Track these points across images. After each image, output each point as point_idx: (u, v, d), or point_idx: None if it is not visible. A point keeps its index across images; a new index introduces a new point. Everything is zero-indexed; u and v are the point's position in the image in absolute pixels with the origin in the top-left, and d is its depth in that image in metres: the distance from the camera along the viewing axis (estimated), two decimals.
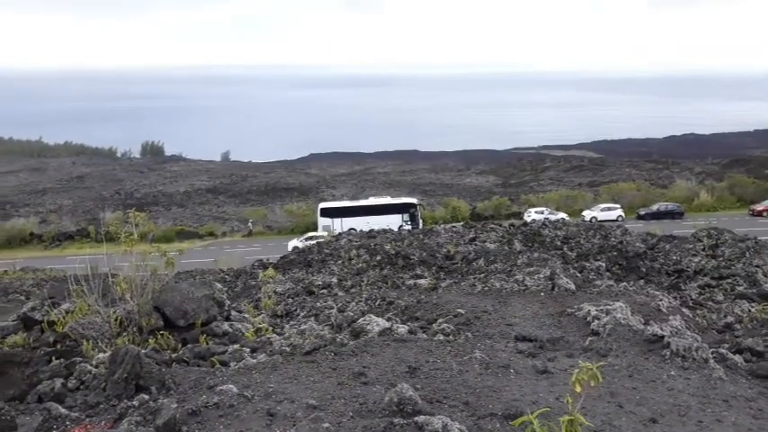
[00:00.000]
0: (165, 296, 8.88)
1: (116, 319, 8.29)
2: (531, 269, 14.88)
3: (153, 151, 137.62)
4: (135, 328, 8.36)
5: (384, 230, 29.39)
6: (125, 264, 8.90)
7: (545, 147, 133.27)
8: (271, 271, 18.99)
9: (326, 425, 5.06)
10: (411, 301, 12.68)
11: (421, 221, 55.62)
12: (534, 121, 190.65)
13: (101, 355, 7.28)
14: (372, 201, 58.95)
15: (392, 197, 63.72)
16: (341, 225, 53.65)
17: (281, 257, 24.07)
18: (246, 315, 10.73)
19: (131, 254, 8.70)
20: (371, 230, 29.62)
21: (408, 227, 51.01)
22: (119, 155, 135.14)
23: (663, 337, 7.69)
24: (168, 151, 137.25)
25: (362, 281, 16.69)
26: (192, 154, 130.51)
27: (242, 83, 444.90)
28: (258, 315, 11.74)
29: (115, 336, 8.15)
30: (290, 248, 38.05)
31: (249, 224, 62.69)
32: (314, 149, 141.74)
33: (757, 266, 17.70)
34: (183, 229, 62.93)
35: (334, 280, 16.88)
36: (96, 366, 6.87)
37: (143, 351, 6.84)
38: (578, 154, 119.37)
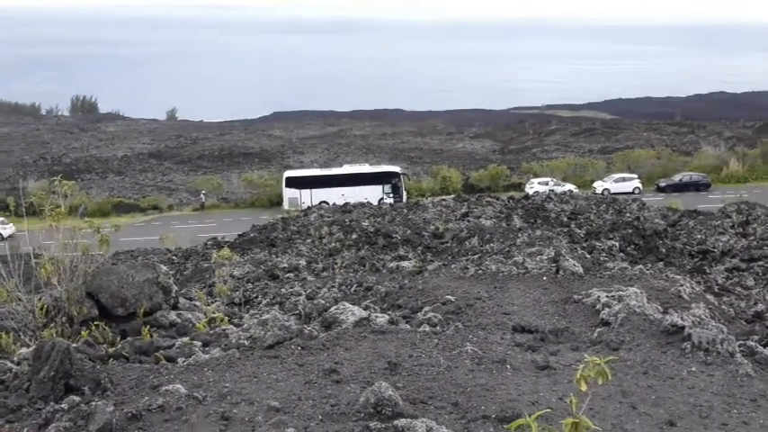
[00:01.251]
0: (100, 281, 8.79)
1: (41, 308, 8.20)
2: (533, 249, 14.98)
3: (85, 108, 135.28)
4: (64, 319, 8.28)
5: (361, 204, 29.38)
6: (51, 242, 8.77)
7: (550, 106, 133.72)
8: (227, 251, 18.89)
9: (291, 430, 5.08)
10: (392, 286, 12.71)
11: (405, 194, 55.77)
12: (537, 77, 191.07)
13: (23, 350, 7.21)
14: (348, 169, 58.90)
15: (371, 165, 63.70)
16: (310, 198, 53.57)
17: (239, 235, 23.96)
18: (198, 303, 10.69)
19: (59, 230, 8.56)
20: (346, 204, 29.59)
21: (390, 200, 51.08)
22: (43, 112, 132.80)
23: (683, 327, 7.82)
24: (103, 108, 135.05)
25: (336, 263, 16.71)
26: (131, 112, 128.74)
27: (193, 27, 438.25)
28: (212, 303, 11.70)
29: (40, 327, 8.07)
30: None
31: (201, 196, 62.33)
32: (278, 107, 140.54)
33: None
34: (121, 201, 62.37)
35: (303, 262, 16.88)
36: (18, 363, 6.80)
37: (74, 345, 6.78)
38: (589, 115, 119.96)
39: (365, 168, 58.91)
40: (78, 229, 8.87)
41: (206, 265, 18.00)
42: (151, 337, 8.32)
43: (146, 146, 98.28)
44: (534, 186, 57.72)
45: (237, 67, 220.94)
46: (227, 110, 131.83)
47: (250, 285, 14.47)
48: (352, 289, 13.02)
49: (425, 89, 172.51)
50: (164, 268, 9.94)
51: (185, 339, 8.23)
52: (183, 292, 11.77)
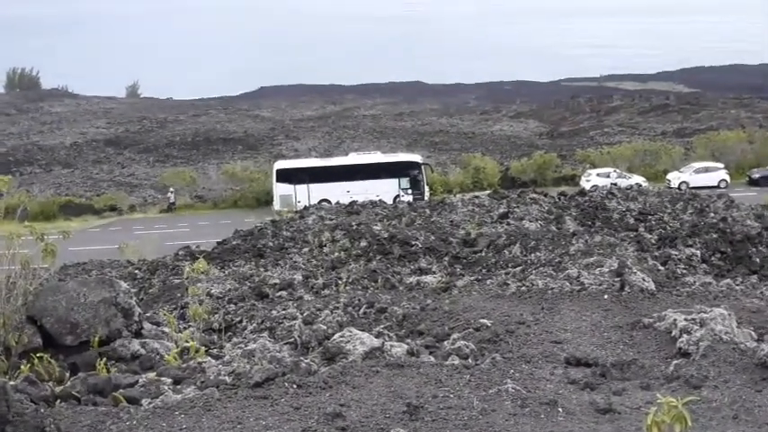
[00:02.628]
0: (45, 301, 8.84)
1: None
2: (591, 260, 14.89)
3: (24, 84, 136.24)
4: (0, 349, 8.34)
5: (372, 203, 29.36)
6: None
7: (611, 77, 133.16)
8: (203, 264, 18.97)
9: None
10: (412, 307, 12.69)
11: (427, 189, 55.78)
12: (595, 39, 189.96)
13: None
14: (354, 159, 59.02)
15: (384, 153, 63.74)
16: (308, 195, 53.68)
17: (219, 243, 24.00)
18: (167, 329, 10.73)
19: None
20: (353, 203, 29.58)
21: (408, 197, 51.08)
22: None
23: None
24: (47, 84, 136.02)
25: (340, 278, 16.70)
26: (83, 88, 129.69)
27: None
28: (184, 329, 11.74)
29: None
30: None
31: (170, 193, 62.60)
32: (267, 80, 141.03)
33: None
34: (70, 200, 62.78)
35: (299, 277, 16.90)
36: None
37: (11, 383, 6.82)
38: (661, 88, 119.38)
39: (377, 158, 58.96)
40: (17, 237, 8.93)
41: (177, 281, 18.05)
42: (108, 372, 8.35)
43: (101, 130, 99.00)
44: (592, 179, 57.48)
45: (215, 30, 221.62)
46: (203, 85, 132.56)
47: (232, 307, 14.49)
48: (361, 311, 13.01)
49: (452, 56, 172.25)
50: (124, 285, 9.99)
51: (151, 375, 8.26)
52: (148, 315, 11.80)
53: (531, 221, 21.83)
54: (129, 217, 59.58)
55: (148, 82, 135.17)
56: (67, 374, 8.33)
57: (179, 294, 16.07)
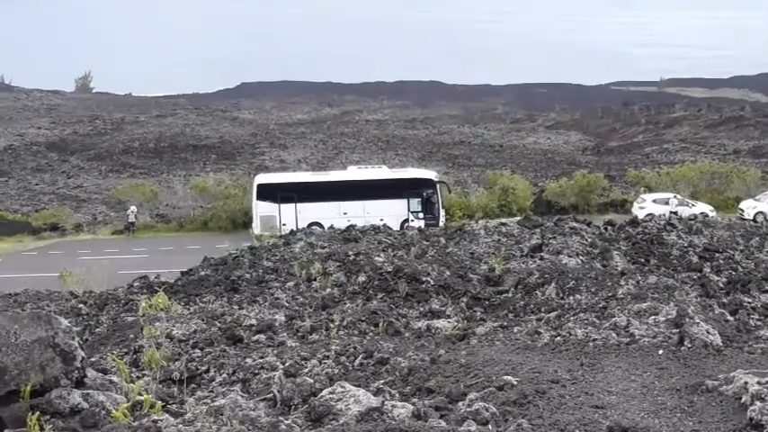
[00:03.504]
0: None
1: None
2: (643, 306, 14.84)
3: None
4: None
5: (375, 228, 29.41)
6: None
7: (674, 81, 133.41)
8: (163, 298, 18.96)
9: None
10: (420, 359, 12.65)
11: (443, 213, 55.67)
12: (655, 35, 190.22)
13: None
14: (354, 174, 58.90)
15: (391, 168, 63.73)
16: (295, 217, 53.58)
17: (184, 273, 23.99)
18: (115, 378, 10.70)
19: None
20: (351, 228, 29.62)
21: (419, 223, 51.03)
22: None
23: None
24: None
25: (332, 320, 16.67)
26: (22, 80, 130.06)
27: None
28: (138, 378, 11.70)
29: None
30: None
31: (130, 212, 62.47)
32: (249, 75, 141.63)
33: None
34: (2, 216, 62.79)
35: (281, 317, 16.90)
36: None
37: None
38: (734, 96, 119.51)
39: (381, 173, 58.88)
40: None
41: (130, 318, 18.02)
42: (42, 429, 8.31)
43: (43, 131, 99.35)
44: (647, 206, 57.44)
45: (187, 13, 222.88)
46: (170, 79, 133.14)
47: (198, 352, 14.46)
48: (357, 362, 12.96)
49: (477, 51, 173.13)
50: (64, 323, 9.95)
51: None
52: (93, 360, 11.75)
53: (570, 256, 21.81)
54: (74, 238, 59.51)
55: (103, 74, 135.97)
56: None
57: (132, 335, 16.03)
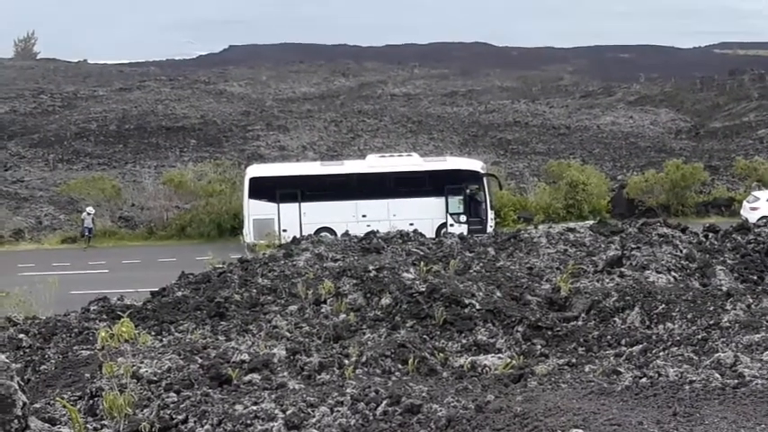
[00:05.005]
0: None
1: None
2: (756, 337, 14.75)
3: None
4: None
5: (403, 235, 29.35)
6: None
7: None
8: (128, 326, 18.99)
9: None
10: (462, 406, 12.62)
11: (492, 216, 55.58)
12: None
13: None
14: (376, 164, 58.87)
15: (424, 157, 63.60)
16: (299, 220, 53.69)
17: (156, 294, 24.03)
18: (67, 430, 10.73)
19: None
20: (372, 235, 29.59)
21: (461, 228, 50.98)
22: None
23: None
24: None
25: (347, 355, 16.66)
26: None
27: None
28: (95, 430, 11.73)
29: None
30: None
31: (86, 215, 62.49)
32: (239, 36, 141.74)
33: None
34: None
35: (281, 351, 16.88)
36: None
37: None
38: None
39: (412, 163, 58.75)
40: None
41: (86, 353, 18.08)
42: None
43: None
44: (761, 207, 57.07)
45: None
46: (137, 42, 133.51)
47: (173, 396, 14.47)
48: (380, 409, 12.94)
49: (537, 6, 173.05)
50: (1, 358, 9.98)
51: None
52: (37, 406, 11.73)
53: (659, 272, 21.73)
54: (12, 248, 59.77)
55: (50, 35, 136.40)
56: None
57: (88, 375, 16.06)
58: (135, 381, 15.02)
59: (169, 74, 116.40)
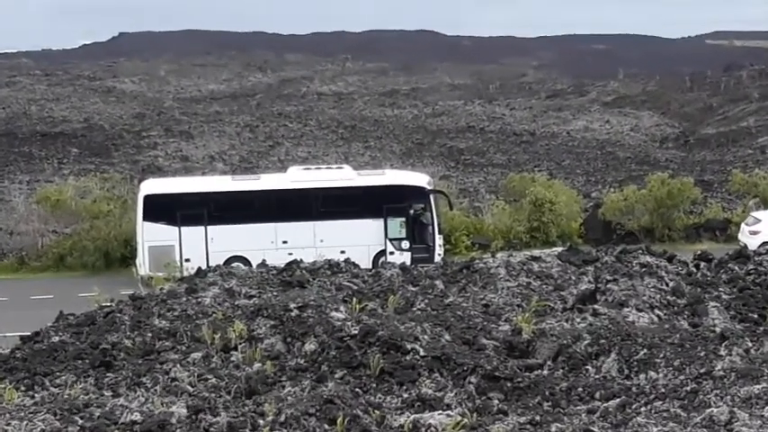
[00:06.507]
0: None
1: None
2: (756, 389, 14.91)
3: None
4: None
5: (333, 265, 29.38)
6: None
7: None
8: None
9: None
10: None
11: (440, 241, 55.78)
12: None
13: None
14: (299, 179, 58.93)
15: (359, 170, 63.76)
16: (205, 247, 53.63)
17: (27, 339, 23.91)
18: None
19: None
20: (295, 265, 29.61)
21: (403, 256, 51.15)
22: None
23: None
24: None
25: (262, 414, 16.66)
26: None
27: None
28: None
29: None
30: None
31: None
32: (130, 23, 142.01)
33: None
34: None
35: (180, 410, 16.87)
36: None
37: None
38: None
39: (343, 177, 58.91)
40: None
41: None
42: None
43: None
44: (762, 231, 57.69)
45: None
46: (7, 27, 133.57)
47: None
48: None
49: None
50: None
51: None
52: None
53: (640, 310, 21.90)
54: None
55: None
56: None
57: None
58: None
59: (45, 67, 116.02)
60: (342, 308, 22.50)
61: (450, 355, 19.37)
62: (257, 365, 19.65)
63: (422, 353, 19.43)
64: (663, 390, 16.56)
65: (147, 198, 55.83)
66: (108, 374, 20.13)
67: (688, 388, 16.21)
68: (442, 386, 18.41)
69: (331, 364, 19.39)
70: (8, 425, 15.85)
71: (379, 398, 17.85)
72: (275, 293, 24.76)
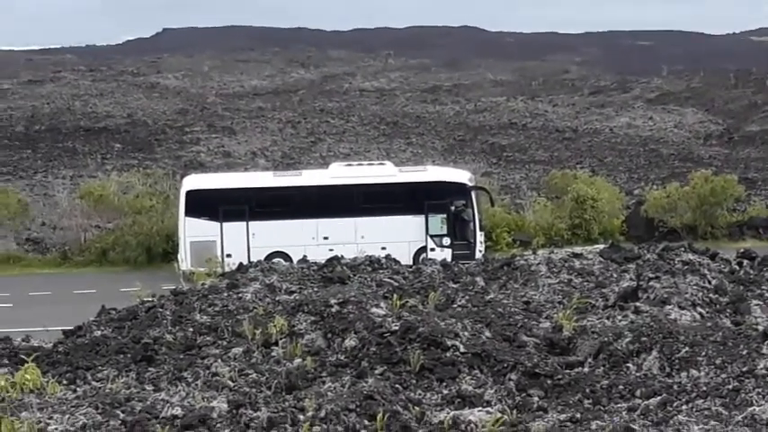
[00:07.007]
0: None
1: None
2: None
3: None
4: None
5: (373, 262, 29.30)
6: None
7: None
8: (34, 373, 18.92)
9: None
10: None
11: (481, 238, 55.64)
12: None
13: None
14: (341, 174, 58.84)
15: (400, 167, 63.61)
16: (246, 243, 53.63)
17: (70, 333, 23.94)
18: None
19: None
20: (335, 261, 29.56)
21: (443, 253, 51.03)
22: None
23: None
24: None
25: (302, 409, 16.64)
26: None
27: None
28: None
29: None
30: None
31: None
32: (174, 18, 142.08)
33: None
34: None
35: (220, 405, 16.86)
36: None
37: None
38: None
39: (384, 174, 58.72)
40: None
41: None
42: None
43: None
44: None
45: None
46: (51, 23, 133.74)
47: None
48: None
49: None
50: None
51: None
52: None
53: (682, 308, 21.76)
54: None
55: None
56: None
57: None
58: None
59: (89, 63, 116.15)
60: (382, 304, 22.45)
61: (490, 351, 19.30)
62: (297, 361, 19.62)
63: (462, 349, 19.36)
64: (704, 388, 16.46)
65: (190, 194, 55.84)
66: (149, 369, 20.13)
67: (730, 386, 16.11)
68: (482, 383, 18.34)
69: (371, 360, 19.34)
70: (50, 418, 15.88)
71: (419, 394, 17.79)
72: (316, 289, 24.72)
